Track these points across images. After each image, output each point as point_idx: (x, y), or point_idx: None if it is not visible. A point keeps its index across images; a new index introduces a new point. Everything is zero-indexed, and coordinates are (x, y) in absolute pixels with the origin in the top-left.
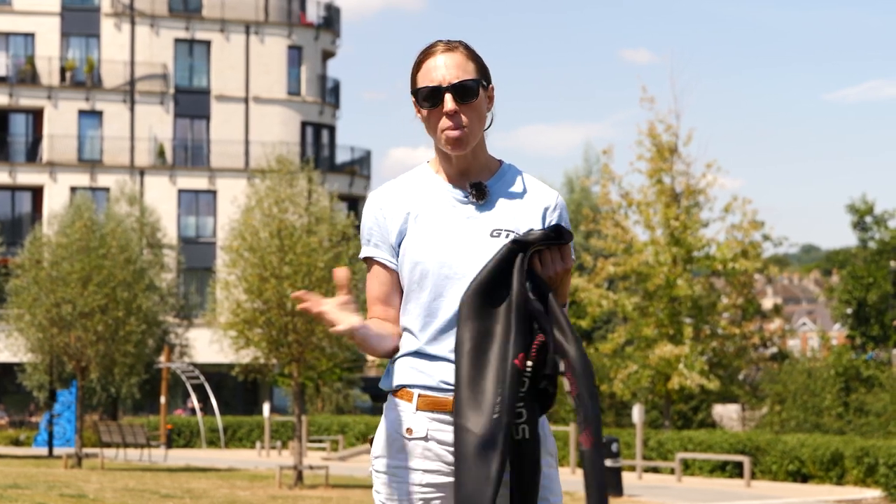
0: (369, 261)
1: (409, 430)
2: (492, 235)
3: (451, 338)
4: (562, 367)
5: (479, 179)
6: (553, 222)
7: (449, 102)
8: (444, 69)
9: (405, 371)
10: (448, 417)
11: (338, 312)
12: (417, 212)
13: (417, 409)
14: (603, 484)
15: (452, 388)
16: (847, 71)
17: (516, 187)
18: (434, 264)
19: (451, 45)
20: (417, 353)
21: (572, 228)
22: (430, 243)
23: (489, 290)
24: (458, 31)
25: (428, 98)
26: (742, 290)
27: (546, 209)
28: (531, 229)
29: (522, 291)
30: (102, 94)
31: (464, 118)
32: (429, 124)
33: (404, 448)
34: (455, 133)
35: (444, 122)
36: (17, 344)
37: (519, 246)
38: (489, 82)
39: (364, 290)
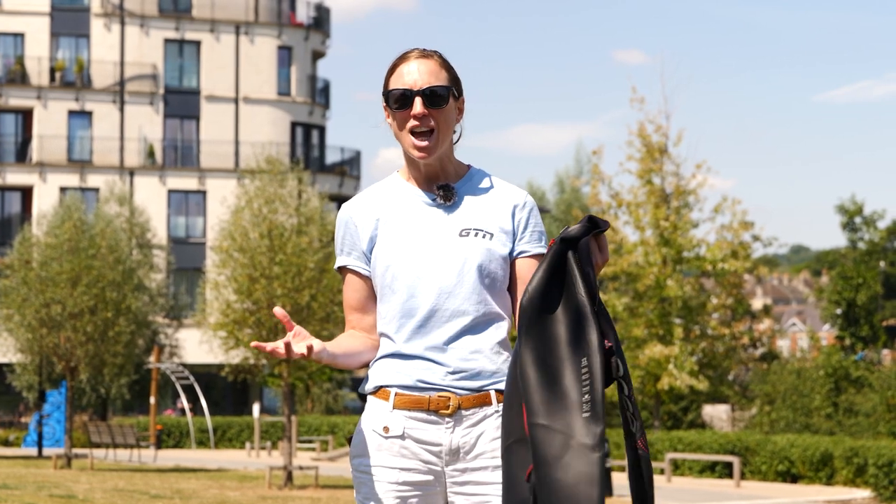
0: (344, 270)
1: (386, 429)
2: (461, 235)
3: (426, 336)
4: (620, 370)
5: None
6: (523, 219)
7: (418, 105)
8: (417, 74)
9: (383, 372)
10: (424, 415)
11: (295, 344)
12: (387, 217)
13: (394, 408)
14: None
15: (430, 386)
16: (836, 72)
17: (484, 188)
18: (405, 265)
19: (425, 53)
20: (394, 355)
21: (562, 229)
22: (400, 245)
23: (546, 293)
24: (449, 31)
25: (398, 100)
26: (732, 291)
27: (515, 206)
28: (568, 226)
29: (589, 290)
30: (92, 95)
31: (432, 122)
32: (396, 128)
33: (381, 447)
34: (422, 142)
35: (412, 125)
36: (7, 344)
37: (566, 244)
38: (460, 94)
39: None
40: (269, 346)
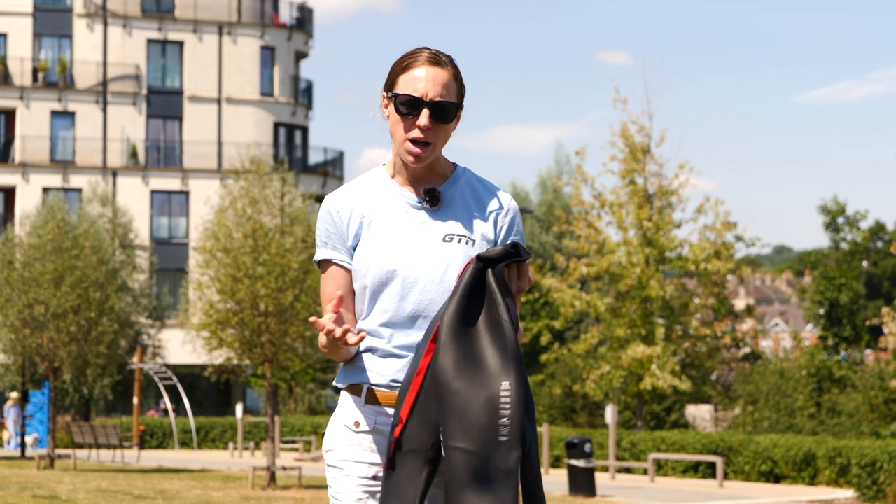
0: (326, 263)
1: (357, 424)
2: (444, 241)
3: (402, 336)
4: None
5: (432, 184)
6: (504, 227)
7: (424, 118)
8: (431, 84)
9: (358, 369)
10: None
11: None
12: (371, 216)
13: (366, 403)
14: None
15: (402, 384)
16: (817, 73)
17: (469, 193)
18: (387, 269)
19: (440, 60)
20: (370, 351)
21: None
22: (384, 248)
23: (465, 312)
24: (433, 32)
25: (406, 105)
26: (714, 291)
27: (498, 214)
28: (491, 246)
29: (512, 321)
30: (75, 95)
31: (432, 135)
32: (396, 127)
33: (352, 441)
34: (418, 150)
35: (413, 134)
36: None
37: (484, 263)
38: (462, 103)
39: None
40: (328, 326)
